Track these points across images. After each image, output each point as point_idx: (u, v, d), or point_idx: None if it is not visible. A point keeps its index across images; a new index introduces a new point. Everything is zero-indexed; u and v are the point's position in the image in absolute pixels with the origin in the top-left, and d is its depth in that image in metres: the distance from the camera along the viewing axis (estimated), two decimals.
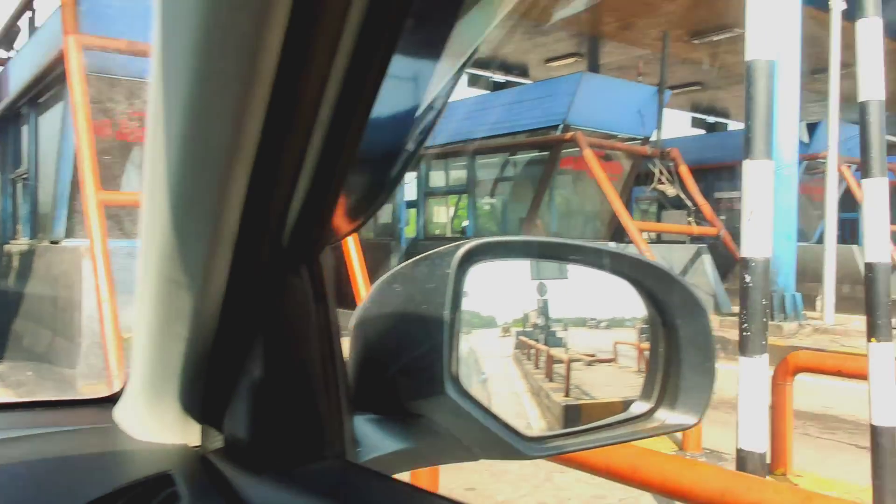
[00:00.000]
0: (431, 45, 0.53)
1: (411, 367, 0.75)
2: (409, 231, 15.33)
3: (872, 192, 3.27)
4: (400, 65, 0.50)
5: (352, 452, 0.72)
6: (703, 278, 12.15)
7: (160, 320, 0.72)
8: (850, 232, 14.03)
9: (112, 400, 0.90)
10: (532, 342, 0.80)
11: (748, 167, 3.25)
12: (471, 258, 0.74)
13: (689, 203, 12.43)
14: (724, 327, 10.16)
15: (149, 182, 0.61)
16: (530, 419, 0.79)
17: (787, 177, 9.87)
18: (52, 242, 7.74)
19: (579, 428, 0.82)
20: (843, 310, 10.13)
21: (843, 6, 9.83)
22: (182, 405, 0.77)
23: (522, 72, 21.76)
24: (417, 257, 0.77)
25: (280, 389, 0.70)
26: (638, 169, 13.52)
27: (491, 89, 20.65)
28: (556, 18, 15.12)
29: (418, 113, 0.59)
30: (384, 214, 19.03)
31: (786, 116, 9.80)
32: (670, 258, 12.36)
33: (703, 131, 23.97)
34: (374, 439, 0.75)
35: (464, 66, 0.56)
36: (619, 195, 13.41)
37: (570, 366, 0.82)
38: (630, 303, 0.84)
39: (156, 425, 0.80)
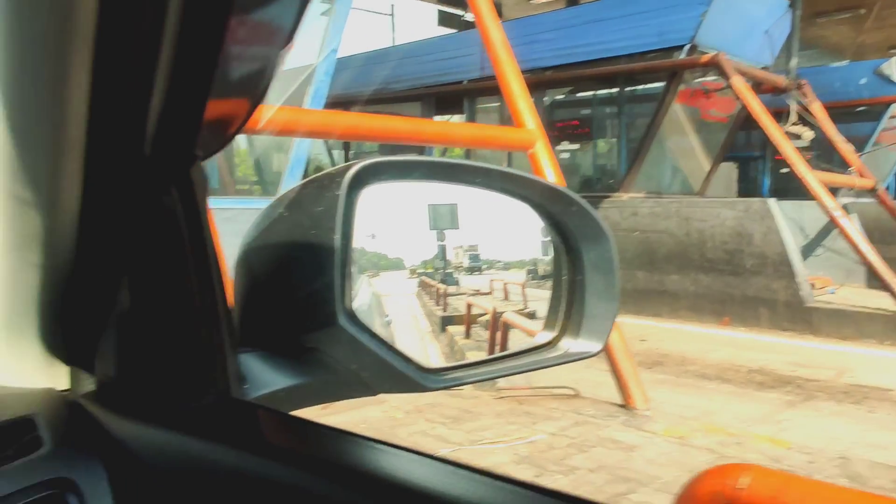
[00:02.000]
0: None
1: (301, 298, 0.71)
2: None
3: None
4: None
5: (238, 390, 0.67)
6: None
7: (11, 247, 0.68)
8: None
9: None
10: (431, 281, 0.85)
11: None
12: (363, 179, 0.71)
13: (843, 148, 9.90)
14: None
15: None
16: (427, 343, 0.88)
17: None
18: None
19: (480, 359, 0.84)
20: None
21: None
22: (45, 345, 0.74)
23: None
24: (305, 180, 0.74)
25: (153, 324, 0.67)
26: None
27: (461, 29, 17.45)
28: None
29: (282, 15, 0.52)
30: None
31: None
32: (802, 218, 9.85)
33: None
34: (262, 376, 0.71)
35: None
36: (725, 142, 10.78)
37: (447, 297, 0.87)
38: (532, 230, 0.87)
39: (16, 367, 0.76)
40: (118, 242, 0.66)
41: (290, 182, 6.72)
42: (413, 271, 0.84)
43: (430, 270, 0.85)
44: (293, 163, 6.79)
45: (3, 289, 0.72)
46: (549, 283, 0.88)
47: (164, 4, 0.48)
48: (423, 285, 0.84)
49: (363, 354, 0.69)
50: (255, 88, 0.57)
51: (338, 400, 0.74)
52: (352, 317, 0.69)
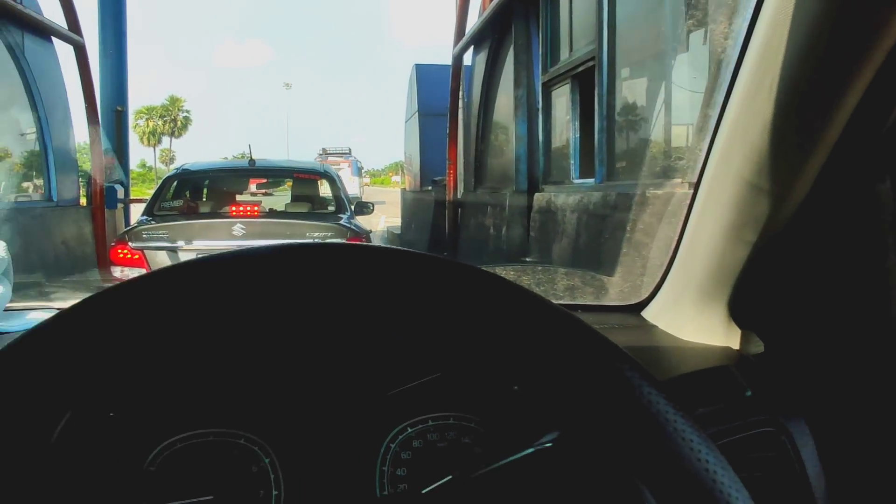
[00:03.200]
0: None
1: None
2: None
3: None
4: None
5: None
6: None
7: (729, 226, 0.76)
8: None
9: (640, 306, 1.01)
10: None
11: None
12: None
13: None
14: None
15: (752, 82, 0.66)
16: None
17: None
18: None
19: None
20: None
21: None
22: (729, 309, 0.84)
23: None
24: None
25: (850, 296, 0.71)
26: None
27: None
28: None
29: None
30: None
31: None
32: None
33: None
34: None
35: None
36: None
37: None
38: None
39: (694, 326, 0.89)
40: (829, 228, 0.71)
41: None
42: None
43: None
44: None
45: (707, 262, 0.82)
46: None
47: None
48: None
49: None
50: None
51: None
52: None
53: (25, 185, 7.86)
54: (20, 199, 7.57)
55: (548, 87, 6.79)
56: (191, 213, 5.73)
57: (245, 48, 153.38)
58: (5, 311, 1.12)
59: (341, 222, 5.34)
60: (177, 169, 6.73)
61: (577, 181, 6.07)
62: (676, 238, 0.89)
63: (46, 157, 8.08)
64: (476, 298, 0.47)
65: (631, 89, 5.26)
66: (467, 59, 10.04)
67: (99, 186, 8.64)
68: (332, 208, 6.08)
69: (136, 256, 4.72)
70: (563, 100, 6.40)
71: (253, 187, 7.49)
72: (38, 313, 1.16)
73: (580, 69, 5.86)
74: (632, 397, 0.46)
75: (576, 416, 0.51)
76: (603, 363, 0.47)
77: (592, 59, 5.45)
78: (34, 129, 7.86)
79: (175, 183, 6.15)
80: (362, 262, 0.47)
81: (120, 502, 0.71)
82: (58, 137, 8.19)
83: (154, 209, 5.62)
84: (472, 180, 9.69)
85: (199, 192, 6.62)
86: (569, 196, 5.79)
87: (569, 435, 0.60)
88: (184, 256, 4.74)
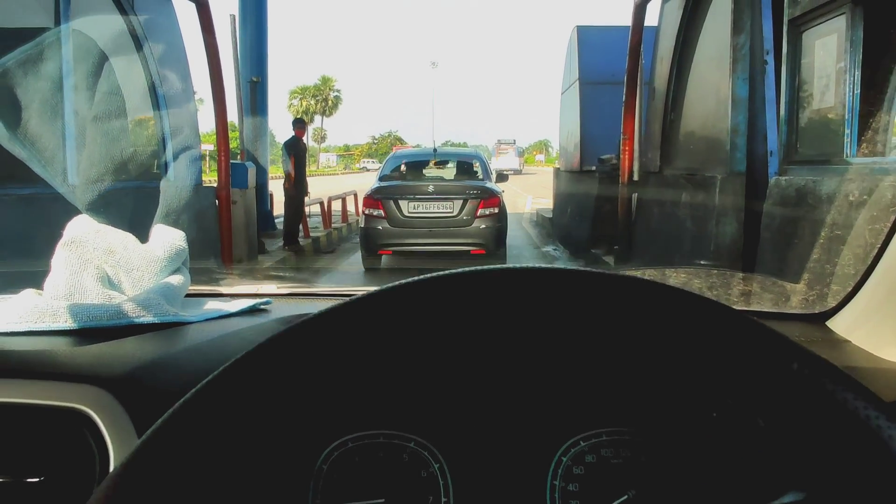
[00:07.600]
0: None
1: None
2: None
3: None
4: None
5: None
6: None
7: None
8: None
9: (823, 316, 0.88)
10: None
11: None
12: None
13: None
14: None
15: None
16: None
17: None
18: None
19: None
20: None
21: None
22: None
23: None
24: None
25: None
26: None
27: None
28: None
29: None
30: None
31: None
32: None
33: None
34: None
35: None
36: None
37: None
38: None
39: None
40: None
41: None
42: None
43: None
44: None
45: None
46: None
47: None
48: None
49: None
50: None
51: None
52: None
53: (135, 161, 6.93)
54: (127, 178, 6.62)
55: (798, 26, 4.75)
56: (402, 178, 10.16)
57: (391, 27, 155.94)
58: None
59: (485, 184, 9.31)
60: (393, 154, 11.51)
61: (855, 160, 4.06)
62: (883, 238, 0.80)
63: (162, 128, 7.10)
64: (691, 324, 0.46)
65: None
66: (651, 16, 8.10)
67: (224, 164, 7.62)
68: (480, 176, 10.10)
69: (378, 205, 8.76)
70: (829, 41, 4.36)
71: (432, 164, 11.32)
72: (214, 303, 1.14)
73: None
74: (887, 452, 0.41)
75: (823, 472, 0.46)
76: (849, 409, 0.42)
77: None
78: (147, 98, 6.88)
79: (391, 161, 10.91)
80: (553, 283, 0.49)
81: (294, 499, 0.71)
82: (175, 107, 7.18)
83: (381, 177, 10.01)
84: (655, 158, 7.78)
85: (405, 166, 10.89)
86: (843, 182, 3.83)
87: (819, 497, 0.49)
88: (402, 203, 8.75)
